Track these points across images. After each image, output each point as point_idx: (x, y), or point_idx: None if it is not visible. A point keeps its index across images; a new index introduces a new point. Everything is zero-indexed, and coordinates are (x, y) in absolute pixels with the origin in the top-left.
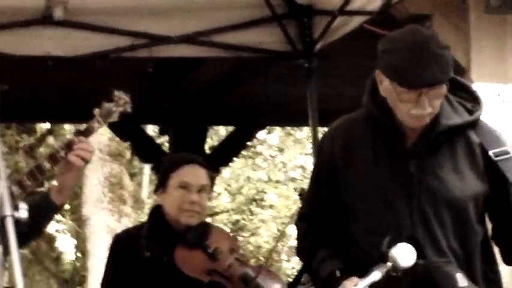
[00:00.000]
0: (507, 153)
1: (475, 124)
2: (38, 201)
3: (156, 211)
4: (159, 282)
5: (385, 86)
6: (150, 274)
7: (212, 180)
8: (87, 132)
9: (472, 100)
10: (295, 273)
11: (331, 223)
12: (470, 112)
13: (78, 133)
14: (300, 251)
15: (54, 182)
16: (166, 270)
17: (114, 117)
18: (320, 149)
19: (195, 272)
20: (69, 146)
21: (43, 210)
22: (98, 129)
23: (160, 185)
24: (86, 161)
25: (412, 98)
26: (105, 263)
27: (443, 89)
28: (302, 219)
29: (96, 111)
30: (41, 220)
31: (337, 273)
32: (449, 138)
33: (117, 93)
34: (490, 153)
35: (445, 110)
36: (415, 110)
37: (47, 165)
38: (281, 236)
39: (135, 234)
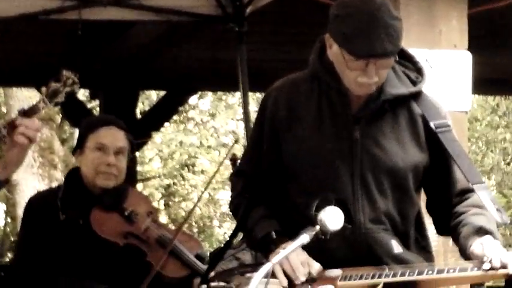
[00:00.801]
0: (448, 125)
1: (418, 95)
2: None
3: (73, 173)
4: (74, 245)
5: (334, 51)
6: (65, 237)
7: (132, 144)
8: (31, 112)
9: (416, 71)
10: (226, 239)
11: (268, 182)
12: (414, 83)
13: (22, 113)
14: (235, 208)
15: None
16: (82, 233)
17: (61, 98)
18: (263, 107)
19: (111, 235)
20: (11, 125)
21: None
22: (43, 109)
23: (78, 147)
24: (31, 140)
25: (359, 66)
26: (20, 225)
27: (392, 59)
28: (239, 175)
29: (43, 90)
30: None
31: (273, 234)
32: (393, 108)
33: (65, 72)
34: (431, 124)
35: (390, 79)
36: (361, 78)
37: None
38: (198, 201)
39: (50, 196)
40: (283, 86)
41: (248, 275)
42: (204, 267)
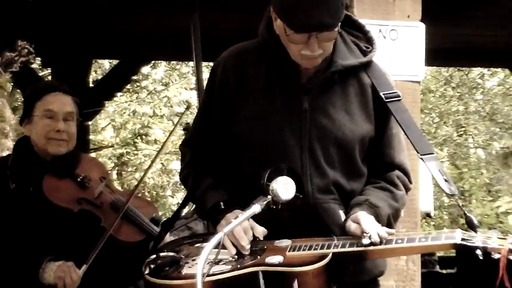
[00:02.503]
0: (397, 96)
1: (368, 65)
2: None
3: (23, 142)
4: (26, 214)
5: (278, 24)
6: (16, 206)
7: (79, 107)
8: None
9: (366, 41)
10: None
11: (219, 152)
12: (364, 53)
13: None
14: (184, 177)
15: None
16: (34, 201)
17: (16, 67)
18: (212, 77)
19: (64, 202)
20: None
21: None
22: None
23: (26, 116)
24: None
25: (301, 39)
26: None
27: (334, 32)
28: (188, 145)
29: None
30: None
31: (222, 204)
32: (343, 78)
33: (20, 42)
34: (381, 94)
35: (340, 50)
36: (304, 51)
37: None
38: (150, 167)
39: (0, 165)
40: (232, 55)
41: (197, 244)
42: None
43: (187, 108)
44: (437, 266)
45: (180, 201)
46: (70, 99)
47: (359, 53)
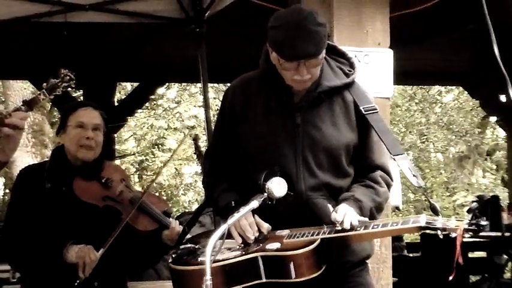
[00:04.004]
0: (375, 109)
1: (350, 85)
2: None
3: (59, 149)
4: (59, 209)
5: (273, 56)
6: (50, 202)
7: (105, 121)
8: (32, 103)
9: (349, 65)
10: (190, 205)
11: (231, 162)
12: (347, 75)
13: (25, 103)
14: (206, 184)
15: None
16: (65, 198)
17: (59, 91)
18: (223, 102)
19: (91, 199)
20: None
21: None
22: (43, 100)
23: (61, 127)
24: (20, 128)
25: (292, 67)
26: (10, 195)
27: (319, 59)
28: (207, 157)
29: (44, 85)
30: None
31: (232, 203)
32: (329, 97)
33: (63, 70)
34: (361, 108)
35: (326, 73)
36: (296, 76)
37: None
38: (161, 169)
39: (38, 169)
40: (239, 84)
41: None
42: (170, 220)
43: (193, 127)
44: (405, 251)
45: (191, 199)
46: (98, 113)
47: (343, 75)
